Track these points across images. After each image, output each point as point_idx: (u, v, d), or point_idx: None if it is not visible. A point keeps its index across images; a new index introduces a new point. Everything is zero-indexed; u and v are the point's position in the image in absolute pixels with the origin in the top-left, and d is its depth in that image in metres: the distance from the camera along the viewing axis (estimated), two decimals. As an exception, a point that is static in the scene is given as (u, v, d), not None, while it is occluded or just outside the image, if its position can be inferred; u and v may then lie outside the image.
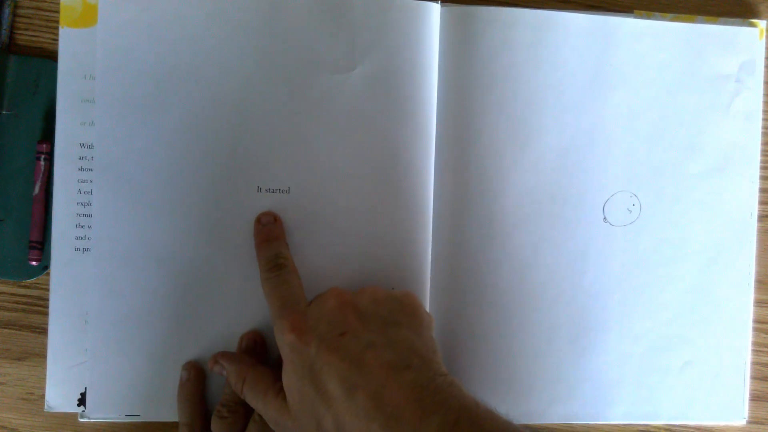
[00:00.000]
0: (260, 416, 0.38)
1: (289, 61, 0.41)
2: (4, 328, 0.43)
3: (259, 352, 0.40)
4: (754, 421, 0.45)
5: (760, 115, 0.44)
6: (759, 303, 0.45)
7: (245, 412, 0.39)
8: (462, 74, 0.42)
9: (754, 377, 0.45)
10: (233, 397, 0.39)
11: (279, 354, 0.37)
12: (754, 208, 0.44)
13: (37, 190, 0.41)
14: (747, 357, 0.44)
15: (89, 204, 0.41)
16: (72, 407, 0.41)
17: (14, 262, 0.42)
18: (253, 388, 0.38)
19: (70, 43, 0.40)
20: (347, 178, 0.41)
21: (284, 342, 0.36)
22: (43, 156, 0.41)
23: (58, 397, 0.41)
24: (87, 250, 0.41)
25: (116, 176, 0.40)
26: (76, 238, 0.41)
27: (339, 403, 0.33)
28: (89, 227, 0.41)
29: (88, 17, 0.40)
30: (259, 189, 0.41)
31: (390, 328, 0.36)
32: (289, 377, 0.35)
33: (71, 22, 0.40)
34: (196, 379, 0.40)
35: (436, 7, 0.41)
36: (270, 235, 0.40)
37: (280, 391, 0.36)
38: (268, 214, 0.40)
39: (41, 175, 0.41)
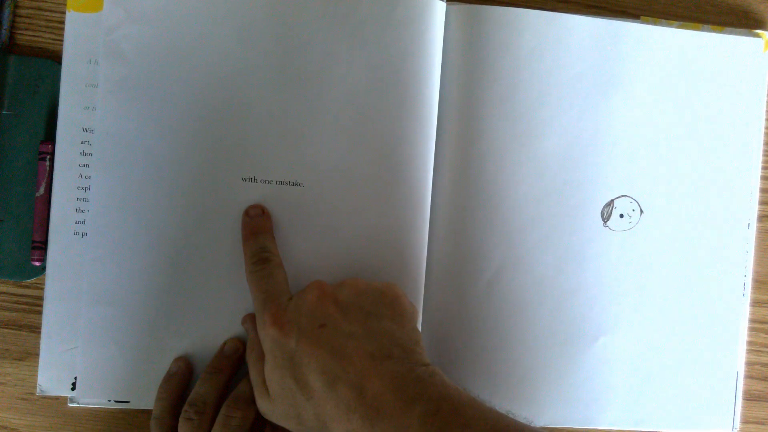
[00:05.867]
0: (226, 418, 0.37)
1: (293, 51, 0.41)
2: (4, 328, 0.43)
3: (241, 358, 0.40)
4: (752, 420, 0.45)
5: (762, 123, 0.44)
6: (759, 303, 0.45)
7: (212, 412, 0.38)
8: (465, 72, 0.42)
9: (754, 377, 0.45)
10: (201, 398, 0.38)
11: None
12: (754, 215, 0.44)
13: (41, 191, 0.41)
14: (739, 367, 0.44)
15: (89, 189, 0.41)
16: (65, 391, 0.41)
17: (14, 262, 0.42)
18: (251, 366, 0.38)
19: (76, 28, 0.41)
20: (344, 171, 0.41)
21: (266, 335, 0.36)
22: (48, 156, 0.41)
23: (50, 381, 0.41)
24: (85, 234, 0.41)
25: (114, 161, 0.40)
26: (75, 222, 0.41)
27: (319, 394, 0.33)
28: (88, 211, 0.41)
29: (94, 2, 0.41)
30: (262, 181, 0.41)
31: (371, 319, 0.35)
32: (270, 370, 0.35)
33: (78, 6, 0.41)
34: (182, 376, 0.40)
35: (442, 5, 0.41)
36: (257, 228, 0.40)
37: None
38: (257, 206, 0.40)
39: (45, 176, 0.41)
